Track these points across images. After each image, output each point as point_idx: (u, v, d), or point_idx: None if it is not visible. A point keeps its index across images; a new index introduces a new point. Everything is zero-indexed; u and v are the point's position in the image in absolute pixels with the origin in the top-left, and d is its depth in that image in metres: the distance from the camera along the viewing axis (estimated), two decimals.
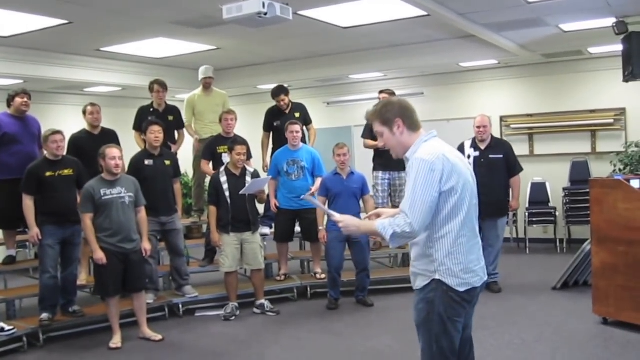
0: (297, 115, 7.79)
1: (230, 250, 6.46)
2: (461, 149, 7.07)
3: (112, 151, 5.75)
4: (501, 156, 6.97)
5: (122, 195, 5.73)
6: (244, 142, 6.61)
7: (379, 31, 8.22)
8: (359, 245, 6.73)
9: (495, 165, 6.91)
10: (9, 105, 6.64)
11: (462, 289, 2.88)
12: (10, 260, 6.80)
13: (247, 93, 11.76)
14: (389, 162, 7.55)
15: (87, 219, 5.67)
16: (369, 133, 7.80)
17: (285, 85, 8.03)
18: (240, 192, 6.33)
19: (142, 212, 6.01)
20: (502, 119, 10.40)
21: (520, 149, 10.13)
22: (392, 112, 2.99)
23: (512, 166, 7.04)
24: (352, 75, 10.61)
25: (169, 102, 7.92)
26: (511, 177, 7.05)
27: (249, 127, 9.02)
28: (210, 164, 7.31)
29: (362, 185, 6.79)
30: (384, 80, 10.91)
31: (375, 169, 7.77)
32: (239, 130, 7.78)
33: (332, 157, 6.79)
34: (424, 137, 2.98)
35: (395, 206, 7.82)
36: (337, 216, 3.07)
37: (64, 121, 7.96)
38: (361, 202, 6.92)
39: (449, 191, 2.83)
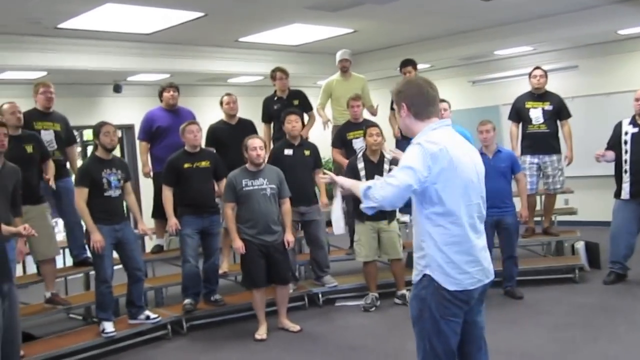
0: None
1: (365, 239, 6.23)
2: (618, 127, 6.39)
3: (254, 141, 5.71)
4: None
5: (263, 187, 5.67)
6: (374, 124, 6.35)
7: (525, 1, 7.61)
8: (506, 231, 6.25)
9: None
10: (161, 100, 6.91)
11: (452, 288, 2.72)
12: (158, 249, 7.06)
13: (386, 76, 11.44)
14: (537, 144, 7.02)
15: (228, 209, 5.69)
16: (515, 115, 7.28)
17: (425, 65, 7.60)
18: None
19: (287, 204, 5.93)
20: None
21: None
22: (401, 96, 2.88)
23: None
24: (498, 51, 9.96)
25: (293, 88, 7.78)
26: None
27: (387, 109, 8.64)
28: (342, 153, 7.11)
29: (511, 163, 6.27)
30: (534, 55, 10.16)
31: (522, 152, 7.19)
32: (379, 115, 7.53)
33: (476, 135, 6.35)
34: (433, 125, 2.83)
35: (549, 194, 7.26)
36: (334, 177, 3.14)
37: (210, 112, 8.10)
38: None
39: (443, 185, 2.68)
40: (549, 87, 7.46)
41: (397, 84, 2.96)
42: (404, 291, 6.35)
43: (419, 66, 7.81)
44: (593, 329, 5.26)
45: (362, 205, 2.77)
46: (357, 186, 2.84)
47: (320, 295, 6.69)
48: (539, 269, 6.95)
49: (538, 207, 7.48)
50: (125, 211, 5.89)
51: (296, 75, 9.36)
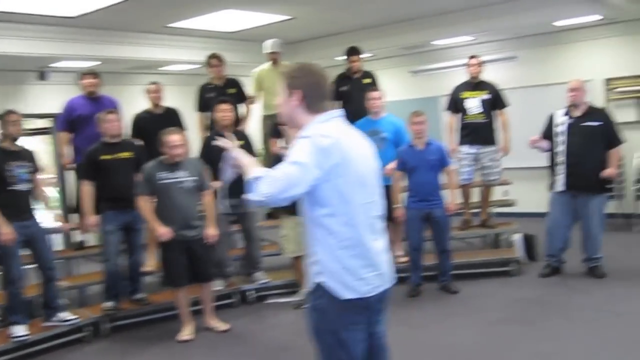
0: (367, 81, 7.19)
1: (292, 233, 5.93)
2: (551, 118, 6.32)
3: (171, 138, 5.34)
4: (598, 124, 6.10)
5: (181, 180, 5.35)
6: None
7: None
8: (437, 224, 6.09)
9: (590, 135, 6.08)
10: None
11: (349, 296, 2.48)
12: (79, 245, 6.70)
13: (327, 65, 11.17)
14: (475, 135, 6.92)
15: (141, 201, 5.36)
16: (453, 105, 7.14)
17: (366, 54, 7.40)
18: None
19: (208, 197, 5.61)
20: (606, 82, 9.37)
21: (627, 115, 9.19)
22: (299, 81, 2.57)
23: (611, 137, 6.15)
24: (437, 40, 9.82)
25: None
26: (609, 149, 6.16)
27: None
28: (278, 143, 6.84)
29: (441, 157, 6.10)
30: (473, 45, 10.05)
31: (460, 142, 7.07)
32: None
33: (408, 125, 6.18)
34: (322, 117, 2.56)
35: (486, 185, 7.15)
36: (228, 146, 2.75)
37: (143, 101, 7.73)
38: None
39: (335, 183, 2.43)
40: (489, 78, 7.37)
41: (291, 67, 2.69)
42: None
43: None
44: (528, 324, 5.14)
45: (246, 196, 2.51)
46: (250, 169, 2.51)
47: (252, 292, 6.42)
48: (476, 263, 6.82)
49: (475, 199, 7.36)
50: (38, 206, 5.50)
51: (233, 63, 9.02)
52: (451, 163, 6.27)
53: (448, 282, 6.22)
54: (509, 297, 5.95)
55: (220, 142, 2.84)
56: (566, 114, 6.25)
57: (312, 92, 2.56)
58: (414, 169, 6.01)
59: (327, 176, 2.41)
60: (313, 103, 2.56)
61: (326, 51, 10.06)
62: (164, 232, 5.26)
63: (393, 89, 10.10)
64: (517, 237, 7.13)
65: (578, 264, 6.47)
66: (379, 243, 2.60)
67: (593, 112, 6.24)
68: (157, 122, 6.35)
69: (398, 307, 5.87)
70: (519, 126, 7.55)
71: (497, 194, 8.62)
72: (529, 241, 7.16)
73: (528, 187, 8.72)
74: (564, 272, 6.51)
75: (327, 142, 2.42)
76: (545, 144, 6.31)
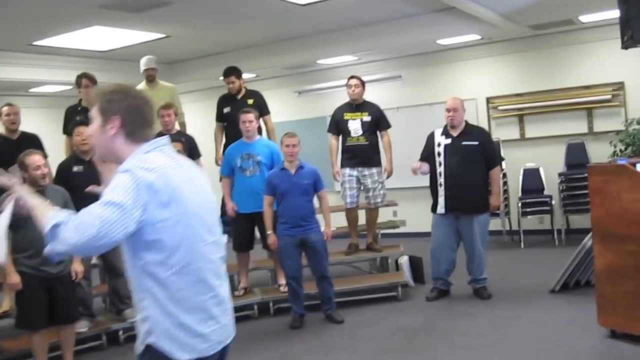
0: (250, 102, 6.87)
1: None
2: (431, 138, 6.20)
3: (34, 159, 4.78)
4: (476, 143, 6.04)
5: None
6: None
7: (343, 7, 7.31)
8: (313, 250, 5.79)
9: (469, 154, 5.99)
10: None
11: (185, 357, 2.08)
12: None
13: (208, 87, 10.81)
14: (356, 157, 6.71)
15: None
16: (334, 127, 6.93)
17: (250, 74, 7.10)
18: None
19: None
20: (488, 100, 9.49)
21: (510, 132, 9.35)
22: (116, 105, 2.16)
23: (489, 156, 6.12)
24: (321, 60, 9.67)
25: None
26: (489, 169, 6.11)
27: (212, 124, 7.88)
28: None
29: (314, 180, 5.82)
30: (358, 65, 10.03)
31: (342, 165, 6.84)
32: (198, 128, 6.87)
33: (280, 147, 5.91)
34: (145, 147, 2.16)
35: (371, 208, 6.94)
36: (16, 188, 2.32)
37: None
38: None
39: (163, 224, 2.03)
40: (374, 97, 7.24)
41: (104, 88, 2.25)
42: None
43: (244, 76, 7.27)
44: (412, 354, 4.91)
45: (46, 249, 2.05)
46: (44, 214, 2.09)
47: (121, 332, 5.87)
48: (362, 289, 6.57)
49: (361, 222, 7.13)
50: None
51: (106, 84, 8.52)
52: (324, 188, 5.99)
53: (332, 311, 5.92)
54: (394, 324, 5.71)
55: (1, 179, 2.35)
56: (444, 133, 6.14)
57: (133, 118, 2.16)
58: (285, 193, 5.71)
59: (153, 217, 2.02)
60: (134, 130, 2.16)
61: (209, 71, 9.69)
62: (16, 282, 4.68)
63: (279, 110, 9.83)
64: (403, 260, 6.97)
65: (465, 285, 6.35)
66: (221, 290, 2.23)
67: (471, 131, 6.17)
68: (12, 149, 5.74)
69: (278, 341, 5.55)
70: (404, 145, 7.43)
71: (387, 214, 8.52)
72: (415, 264, 7.01)
73: (416, 207, 8.60)
74: (451, 295, 6.38)
75: (152, 177, 2.03)
76: (426, 167, 6.19)
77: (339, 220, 7.22)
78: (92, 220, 1.96)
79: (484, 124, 9.25)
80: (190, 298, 2.11)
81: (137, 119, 2.18)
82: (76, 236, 1.95)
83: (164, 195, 2.03)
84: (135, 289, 2.14)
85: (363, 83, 6.83)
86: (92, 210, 1.99)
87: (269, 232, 5.85)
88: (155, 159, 2.12)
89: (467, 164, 5.95)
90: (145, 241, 2.04)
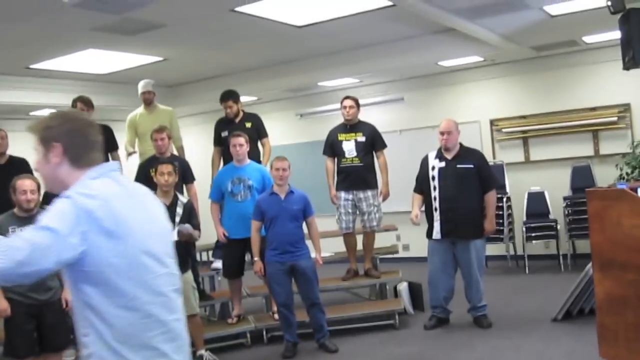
0: (248, 125, 6.77)
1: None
2: (425, 162, 6.05)
3: (22, 183, 4.70)
4: (471, 166, 5.90)
5: None
6: (169, 161, 5.59)
7: (342, 30, 7.19)
8: (303, 276, 5.64)
9: (464, 177, 5.84)
10: None
11: None
12: None
13: (209, 110, 10.71)
14: (351, 179, 6.57)
15: None
16: (329, 149, 6.80)
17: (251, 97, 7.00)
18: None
19: None
20: (492, 122, 9.33)
21: (514, 155, 9.17)
22: (56, 131, 2.04)
23: (485, 179, 5.95)
24: (322, 82, 9.57)
25: (105, 122, 6.87)
26: (484, 192, 5.95)
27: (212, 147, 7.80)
28: None
29: (303, 206, 5.69)
30: (360, 87, 9.91)
31: (337, 188, 6.69)
32: (197, 152, 6.74)
33: (270, 171, 5.79)
34: (92, 173, 2.04)
35: (367, 232, 6.77)
36: None
37: (11, 148, 7.01)
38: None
39: (106, 254, 1.89)
40: (376, 120, 7.13)
41: (40, 119, 2.14)
42: (202, 351, 5.54)
43: (246, 99, 7.18)
44: None
45: None
46: None
47: None
48: (358, 317, 6.38)
49: (359, 247, 6.95)
50: None
51: (106, 107, 8.47)
52: (314, 214, 5.84)
53: (325, 340, 5.73)
54: (391, 354, 5.52)
55: None
56: (437, 156, 5.99)
57: (76, 142, 2.04)
58: (275, 218, 5.56)
59: (94, 246, 1.87)
60: (79, 155, 2.04)
61: (209, 94, 9.55)
62: (4, 308, 4.55)
63: (280, 133, 9.79)
64: (402, 287, 6.78)
65: (465, 313, 6.15)
66: (176, 325, 2.07)
67: (466, 154, 6.02)
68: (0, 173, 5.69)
69: None
70: (407, 168, 7.27)
71: (390, 239, 8.34)
72: (415, 290, 6.82)
73: (419, 231, 8.41)
74: (450, 323, 6.18)
75: (93, 204, 1.89)
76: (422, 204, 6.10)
77: (338, 245, 7.07)
78: (22, 245, 1.81)
79: (487, 147, 9.10)
80: (137, 335, 1.95)
81: (80, 143, 2.05)
82: (0, 260, 1.78)
83: (107, 224, 1.90)
84: (79, 323, 1.98)
85: (358, 103, 6.72)
86: (23, 235, 1.85)
87: (256, 258, 5.72)
88: (100, 185, 1.99)
89: (461, 187, 5.80)
90: (85, 272, 1.90)
